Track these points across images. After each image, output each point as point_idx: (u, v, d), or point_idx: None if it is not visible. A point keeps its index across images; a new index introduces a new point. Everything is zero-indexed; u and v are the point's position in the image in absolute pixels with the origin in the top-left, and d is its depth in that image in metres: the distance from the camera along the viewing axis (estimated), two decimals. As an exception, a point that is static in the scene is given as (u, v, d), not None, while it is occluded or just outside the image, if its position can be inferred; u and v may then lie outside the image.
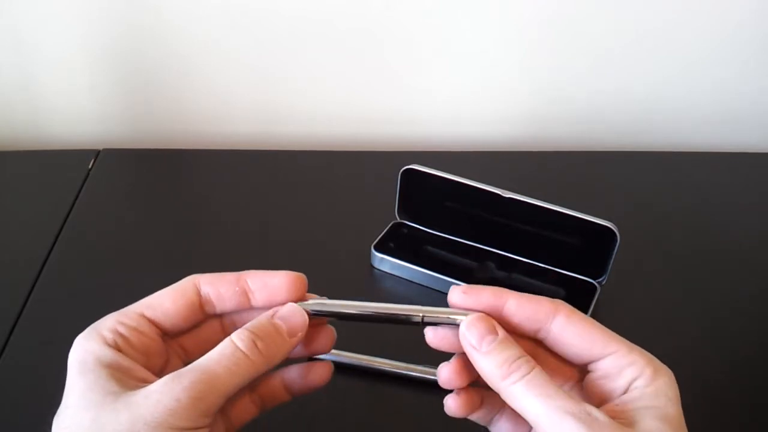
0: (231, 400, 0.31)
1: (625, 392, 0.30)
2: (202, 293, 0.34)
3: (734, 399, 0.50)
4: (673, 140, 0.84)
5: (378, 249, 0.59)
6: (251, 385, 0.35)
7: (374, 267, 0.60)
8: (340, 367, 0.49)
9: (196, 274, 0.34)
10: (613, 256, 0.54)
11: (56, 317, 0.53)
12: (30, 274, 0.57)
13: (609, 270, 0.55)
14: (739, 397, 0.50)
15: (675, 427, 0.29)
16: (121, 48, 0.74)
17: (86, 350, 0.30)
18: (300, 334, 0.33)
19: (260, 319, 0.32)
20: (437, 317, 0.33)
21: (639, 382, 0.30)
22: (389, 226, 0.61)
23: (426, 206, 0.61)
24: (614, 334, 0.32)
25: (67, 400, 0.29)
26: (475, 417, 0.35)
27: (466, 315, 0.32)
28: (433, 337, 0.33)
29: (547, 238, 0.57)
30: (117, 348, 0.30)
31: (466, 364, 0.32)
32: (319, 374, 0.36)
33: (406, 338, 0.53)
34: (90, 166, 0.71)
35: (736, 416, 0.49)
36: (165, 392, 0.28)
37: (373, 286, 0.59)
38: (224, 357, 0.30)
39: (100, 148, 0.74)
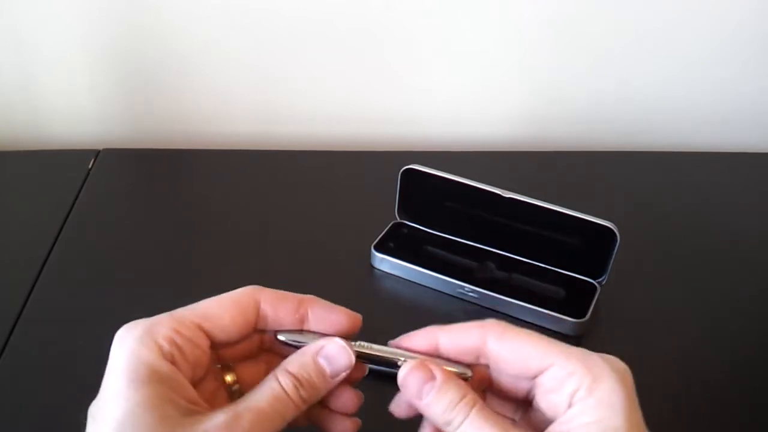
0: None
1: (569, 407, 0.29)
2: (261, 309, 0.33)
3: (734, 399, 0.50)
4: (673, 140, 0.84)
5: (378, 249, 0.59)
6: None
7: (374, 267, 0.60)
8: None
9: (257, 288, 0.33)
10: (613, 256, 0.54)
11: (56, 317, 0.53)
12: (30, 274, 0.57)
13: (609, 270, 0.55)
14: (739, 397, 0.50)
15: None
16: (121, 48, 0.74)
17: (140, 359, 0.28)
18: (343, 374, 0.32)
19: (305, 358, 0.32)
20: (379, 355, 0.33)
21: (579, 394, 0.28)
22: (389, 226, 0.61)
23: (426, 206, 0.61)
24: (555, 343, 0.30)
25: (114, 411, 0.27)
26: None
27: (411, 357, 0.32)
28: (398, 410, 0.33)
29: (547, 238, 0.57)
30: (172, 361, 0.29)
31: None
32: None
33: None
34: (90, 166, 0.71)
35: (736, 416, 0.49)
36: (224, 424, 0.28)
37: (373, 286, 0.59)
38: (273, 399, 0.30)
39: (100, 148, 0.74)
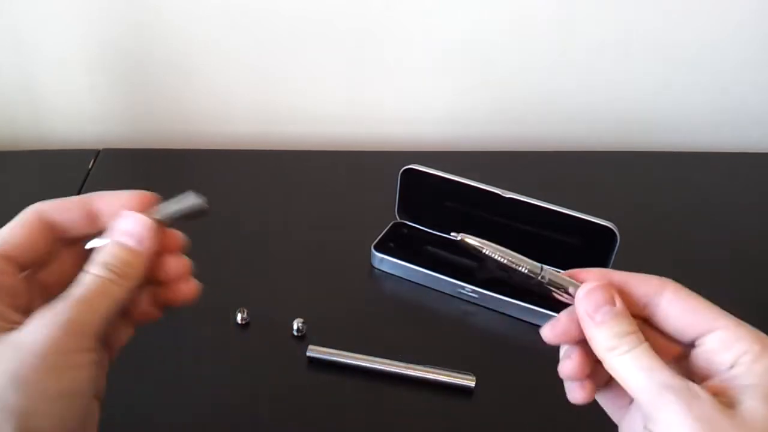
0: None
1: (731, 368, 0.30)
2: (49, 220, 0.33)
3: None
4: (673, 140, 0.84)
5: (378, 249, 0.59)
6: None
7: (374, 267, 0.60)
8: (340, 367, 0.50)
9: (39, 204, 0.33)
10: (613, 256, 0.54)
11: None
12: (30, 274, 0.57)
13: (609, 270, 0.55)
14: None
15: None
16: (121, 48, 0.74)
17: None
18: (149, 239, 0.32)
19: (107, 244, 0.32)
20: (558, 281, 0.33)
21: (746, 358, 0.29)
22: (389, 226, 0.61)
23: (426, 206, 0.61)
24: (722, 310, 0.31)
25: None
26: None
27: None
28: (551, 335, 0.33)
29: (547, 238, 0.57)
30: None
31: (586, 356, 0.32)
32: (176, 271, 0.35)
33: (406, 338, 0.53)
34: (90, 166, 0.71)
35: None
36: (46, 324, 0.28)
37: (373, 286, 0.59)
38: (89, 286, 0.30)
39: (100, 148, 0.74)
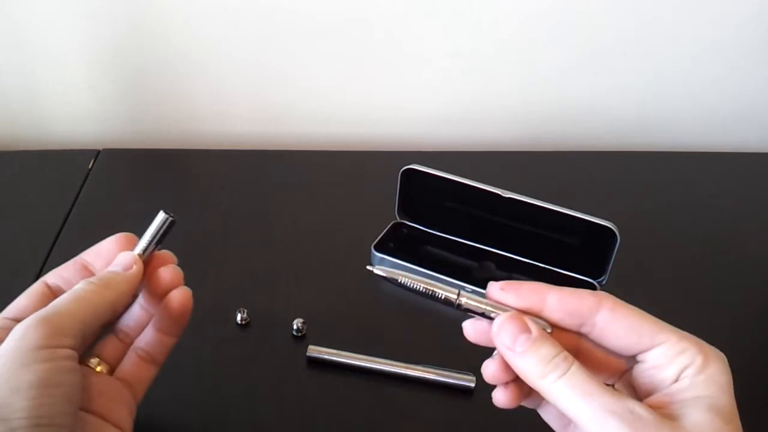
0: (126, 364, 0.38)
1: (675, 382, 0.29)
2: (50, 285, 0.37)
3: (735, 399, 0.50)
4: (673, 140, 0.84)
5: (378, 249, 0.59)
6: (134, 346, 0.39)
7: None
8: (340, 367, 0.50)
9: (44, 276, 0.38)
10: (613, 256, 0.54)
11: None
12: (30, 274, 0.57)
13: (609, 270, 0.55)
14: (739, 397, 0.50)
15: (726, 417, 0.28)
16: (121, 48, 0.74)
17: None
18: (135, 266, 0.36)
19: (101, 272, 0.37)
20: (474, 306, 0.32)
21: (689, 371, 0.29)
22: (389, 226, 0.61)
23: (426, 206, 0.61)
24: (663, 323, 0.31)
25: None
26: (523, 402, 0.34)
27: (504, 311, 0.31)
28: (472, 332, 0.33)
29: (547, 238, 0.57)
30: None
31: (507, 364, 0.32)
32: (168, 284, 0.38)
33: (405, 338, 0.53)
34: (90, 166, 0.71)
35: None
36: (17, 328, 0.31)
37: (373, 286, 0.59)
38: (65, 296, 0.34)
39: (100, 148, 0.74)
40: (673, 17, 0.75)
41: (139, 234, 0.39)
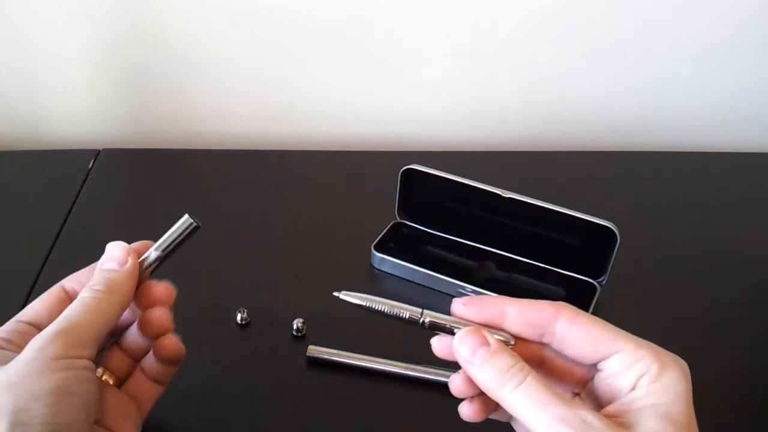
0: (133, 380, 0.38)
1: (632, 390, 0.30)
2: (68, 289, 0.38)
3: (734, 399, 0.50)
4: (673, 140, 0.84)
5: (378, 249, 0.59)
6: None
7: (374, 267, 0.60)
8: (340, 367, 0.50)
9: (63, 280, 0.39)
10: (613, 256, 0.54)
11: (56, 317, 0.53)
12: (30, 274, 0.57)
13: (609, 270, 0.55)
14: (739, 397, 0.50)
15: (680, 425, 0.28)
16: (121, 48, 0.74)
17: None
18: (129, 260, 0.37)
19: (94, 272, 0.37)
20: (438, 323, 0.33)
21: (645, 379, 0.30)
22: (389, 226, 0.61)
23: (426, 206, 0.61)
24: (621, 331, 0.31)
25: None
26: (494, 416, 0.35)
27: (466, 326, 0.32)
28: (440, 347, 0.34)
29: (547, 238, 0.57)
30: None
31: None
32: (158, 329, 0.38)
33: (405, 338, 0.53)
34: (90, 166, 0.71)
35: (736, 416, 0.49)
36: (36, 339, 0.32)
37: (373, 286, 0.59)
38: (75, 305, 0.34)
39: (100, 148, 0.74)
40: (673, 17, 0.75)
41: (147, 236, 0.39)
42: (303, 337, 0.52)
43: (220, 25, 0.73)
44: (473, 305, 0.33)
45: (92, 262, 0.60)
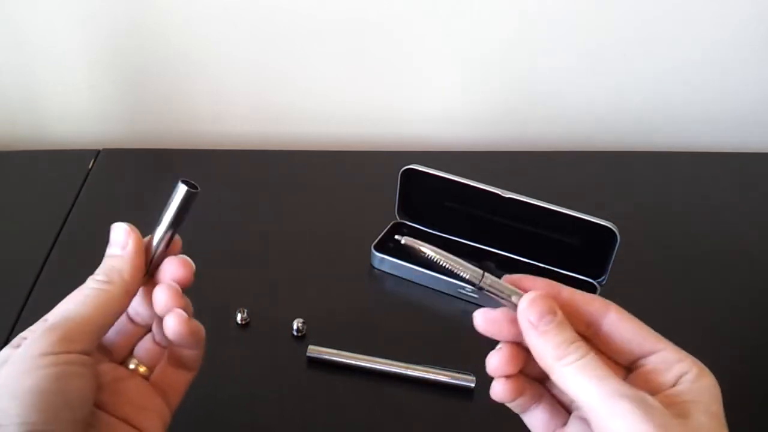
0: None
1: (673, 386, 0.31)
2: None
3: (734, 399, 0.50)
4: (673, 140, 0.84)
5: (378, 249, 0.59)
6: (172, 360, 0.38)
7: (374, 267, 0.60)
8: (340, 367, 0.50)
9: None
10: (613, 256, 0.54)
11: (56, 317, 0.53)
12: (30, 274, 0.57)
13: (609, 270, 0.55)
14: (739, 397, 0.50)
15: (722, 424, 0.30)
16: (121, 48, 0.74)
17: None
18: (130, 242, 0.35)
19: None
20: (495, 289, 0.33)
21: (687, 377, 0.30)
22: (389, 226, 0.61)
23: (426, 206, 0.61)
24: (660, 335, 0.33)
25: None
26: (512, 404, 0.35)
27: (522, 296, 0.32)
28: (482, 321, 0.33)
29: (547, 238, 0.57)
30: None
31: (516, 353, 0.33)
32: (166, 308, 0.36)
33: (406, 338, 0.53)
34: (90, 166, 0.71)
35: (736, 416, 0.49)
36: (32, 334, 0.31)
37: (373, 286, 0.59)
38: (69, 299, 0.34)
39: (100, 148, 0.74)
40: (673, 17, 0.75)
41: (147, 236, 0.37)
42: (303, 337, 0.52)
43: (220, 25, 0.73)
44: (528, 282, 0.33)
45: (92, 264, 0.60)
